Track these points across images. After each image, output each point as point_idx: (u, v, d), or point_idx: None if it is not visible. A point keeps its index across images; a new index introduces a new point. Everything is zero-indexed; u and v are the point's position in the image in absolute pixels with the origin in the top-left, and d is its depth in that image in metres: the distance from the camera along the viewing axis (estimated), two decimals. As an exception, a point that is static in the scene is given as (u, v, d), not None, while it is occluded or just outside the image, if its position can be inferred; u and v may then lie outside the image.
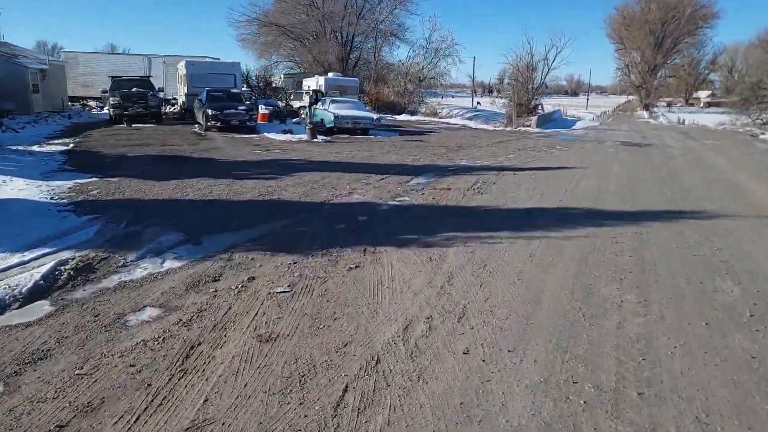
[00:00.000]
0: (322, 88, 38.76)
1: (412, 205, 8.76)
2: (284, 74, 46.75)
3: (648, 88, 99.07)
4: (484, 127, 30.28)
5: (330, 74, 41.40)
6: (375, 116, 22.50)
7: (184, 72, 25.20)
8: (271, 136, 19.62)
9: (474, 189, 10.20)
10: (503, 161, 14.97)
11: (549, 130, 28.23)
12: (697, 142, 23.96)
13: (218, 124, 20.02)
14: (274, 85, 35.86)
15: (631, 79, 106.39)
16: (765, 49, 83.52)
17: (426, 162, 14.18)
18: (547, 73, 39.21)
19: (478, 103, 54.77)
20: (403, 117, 37.60)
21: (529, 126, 29.35)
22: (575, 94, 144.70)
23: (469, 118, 36.73)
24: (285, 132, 20.61)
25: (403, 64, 46.21)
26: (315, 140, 18.93)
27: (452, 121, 34.73)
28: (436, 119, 36.13)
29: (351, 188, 9.97)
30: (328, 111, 21.96)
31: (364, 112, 22.79)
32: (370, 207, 8.52)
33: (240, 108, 20.53)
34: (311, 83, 40.69)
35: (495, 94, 42.29)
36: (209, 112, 20.01)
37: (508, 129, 28.89)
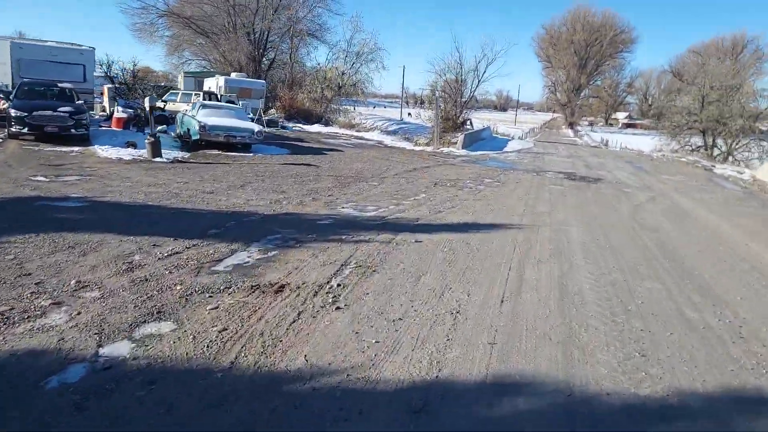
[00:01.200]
0: (222, 90, 32.97)
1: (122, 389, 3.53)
2: (184, 72, 40.37)
3: (572, 107, 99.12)
4: (403, 145, 25.51)
5: (233, 74, 35.58)
6: (257, 128, 17.17)
7: (9, 57, 18.80)
8: (102, 150, 13.81)
9: (328, 294, 5.15)
10: (407, 208, 10.01)
11: (477, 152, 23.79)
12: (653, 177, 20.11)
13: (26, 130, 14.02)
14: (153, 84, 29.22)
15: (557, 97, 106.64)
16: (675, 75, 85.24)
17: (287, 209, 8.97)
18: (477, 86, 35.20)
19: (409, 114, 49.92)
20: (315, 128, 32.34)
21: (455, 145, 24.86)
22: (504, 109, 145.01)
23: (391, 132, 32.00)
24: (127, 145, 14.86)
25: (321, 68, 40.99)
26: (157, 159, 13.35)
27: (369, 135, 29.79)
28: (352, 132, 31.13)
29: (54, 301, 4.58)
30: (195, 119, 16.41)
31: (242, 122, 17.39)
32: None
33: (62, 110, 14.55)
34: (212, 84, 34.74)
35: (426, 105, 37.37)
36: (12, 113, 13.96)
37: (429, 149, 24.23)
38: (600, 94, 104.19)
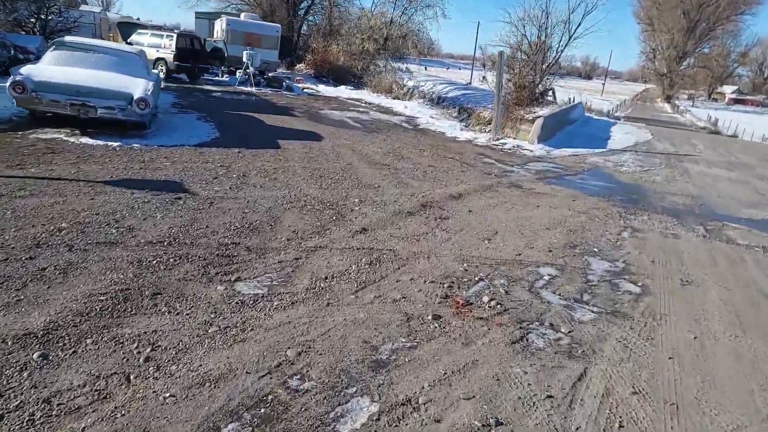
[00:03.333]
0: (223, 36, 24.50)
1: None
2: (195, 12, 32.12)
3: (672, 78, 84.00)
4: (443, 127, 16.03)
5: (243, 15, 26.94)
6: (139, 92, 8.50)
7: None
8: None
9: None
10: None
11: (564, 152, 13.71)
12: None
13: None
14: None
15: (655, 66, 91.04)
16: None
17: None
18: (569, 42, 24.56)
19: (483, 78, 39.04)
20: (338, 91, 23.38)
21: (527, 134, 15.15)
22: (588, 77, 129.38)
23: (441, 102, 22.41)
24: None
25: (365, 14, 31.53)
26: None
27: (403, 106, 20.43)
28: (381, 100, 21.91)
29: None
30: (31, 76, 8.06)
31: (120, 79, 8.80)
32: None
33: None
34: (218, 27, 26.43)
35: (490, 66, 26.52)
36: None
37: (484, 138, 14.65)
38: (708, 63, 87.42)
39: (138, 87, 8.69)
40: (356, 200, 6.77)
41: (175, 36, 19.17)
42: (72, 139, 8.05)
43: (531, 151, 13.00)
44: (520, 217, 6.98)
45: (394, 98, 23.43)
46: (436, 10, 33.63)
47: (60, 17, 16.77)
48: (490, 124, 18.02)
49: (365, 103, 20.03)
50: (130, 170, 6.74)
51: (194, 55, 19.90)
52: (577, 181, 10.18)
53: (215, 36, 25.21)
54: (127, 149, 7.89)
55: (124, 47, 9.98)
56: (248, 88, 19.26)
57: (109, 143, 8.09)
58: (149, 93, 8.66)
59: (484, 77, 38.15)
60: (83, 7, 27.03)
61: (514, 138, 14.73)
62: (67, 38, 9.80)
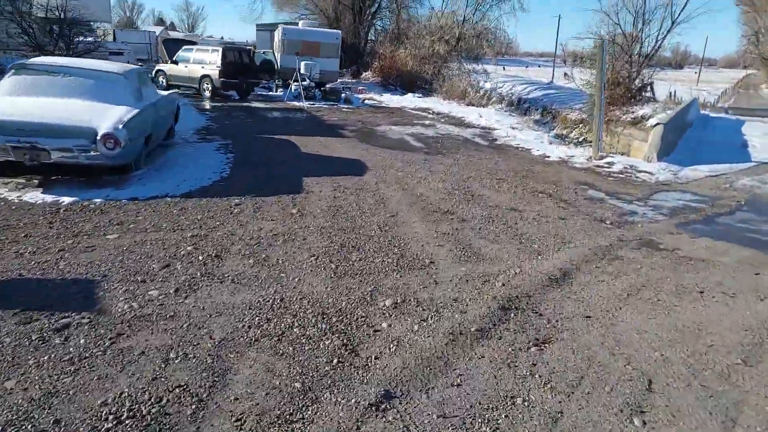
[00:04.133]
0: (278, 47, 22.51)
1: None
2: (257, 25, 30.54)
3: (782, 63, 74.03)
4: (525, 141, 12.72)
5: (301, 23, 24.86)
6: (108, 128, 6.15)
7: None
8: None
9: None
10: None
11: (695, 172, 10.01)
12: None
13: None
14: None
15: (758, 50, 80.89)
16: None
17: None
18: (672, 28, 20.21)
19: (565, 74, 34.26)
20: (404, 100, 20.69)
21: (638, 151, 11.50)
22: (680, 66, 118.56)
23: (522, 105, 19.03)
24: None
25: (434, 14, 28.54)
26: None
27: (477, 115, 17.25)
28: (451, 108, 18.89)
29: None
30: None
31: (87, 110, 6.51)
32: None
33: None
34: (276, 38, 24.59)
35: (573, 61, 22.31)
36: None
37: (581, 156, 11.20)
38: (827, 43, 76.42)
39: (107, 119, 6.35)
40: (387, 303, 3.93)
41: (220, 50, 17.25)
42: (14, 195, 5.82)
43: (651, 173, 9.49)
44: (680, 329, 3.83)
45: (467, 105, 20.35)
46: (513, 3, 30.18)
47: (86, 37, 15.08)
48: (578, 126, 14.54)
49: (433, 113, 17.13)
50: (42, 255, 4.31)
51: (243, 69, 17.91)
52: (739, 225, 6.71)
53: (275, 48, 23.30)
54: (76, 210, 5.53)
55: (108, 66, 7.73)
56: (299, 103, 16.97)
57: (61, 199, 5.79)
58: (121, 127, 6.27)
59: (566, 74, 33.60)
60: (145, 28, 26.13)
61: (622, 154, 11.24)
62: (33, 60, 7.68)
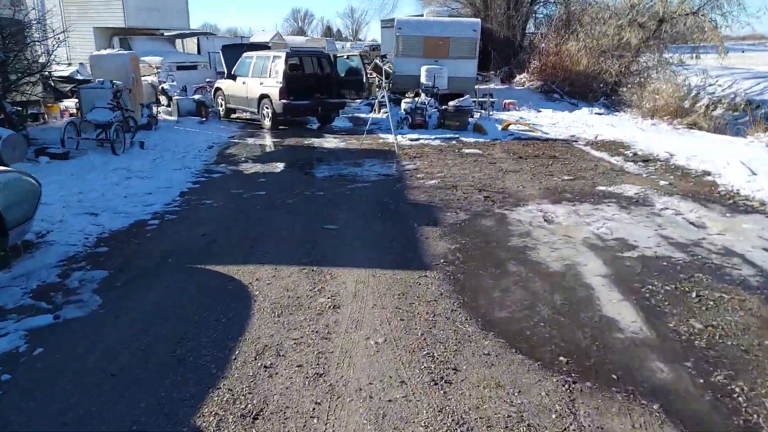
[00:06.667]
0: (394, 45, 15.45)
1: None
2: (381, 21, 23.83)
3: None
4: None
5: (425, 13, 17.56)
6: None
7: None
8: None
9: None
10: None
11: None
12: None
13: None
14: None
15: None
16: None
17: None
18: None
19: None
20: (575, 121, 12.45)
21: None
22: None
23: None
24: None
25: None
26: None
27: (725, 159, 8.31)
28: (675, 140, 10.03)
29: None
30: None
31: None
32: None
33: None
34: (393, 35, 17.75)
35: None
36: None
37: None
38: None
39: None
40: None
41: (283, 56, 10.88)
42: None
43: None
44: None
45: (688, 127, 11.51)
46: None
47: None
48: None
49: (634, 155, 8.83)
50: None
51: (319, 84, 11.41)
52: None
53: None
54: None
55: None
56: (389, 137, 9.85)
57: None
58: None
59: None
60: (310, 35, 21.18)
61: None
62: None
